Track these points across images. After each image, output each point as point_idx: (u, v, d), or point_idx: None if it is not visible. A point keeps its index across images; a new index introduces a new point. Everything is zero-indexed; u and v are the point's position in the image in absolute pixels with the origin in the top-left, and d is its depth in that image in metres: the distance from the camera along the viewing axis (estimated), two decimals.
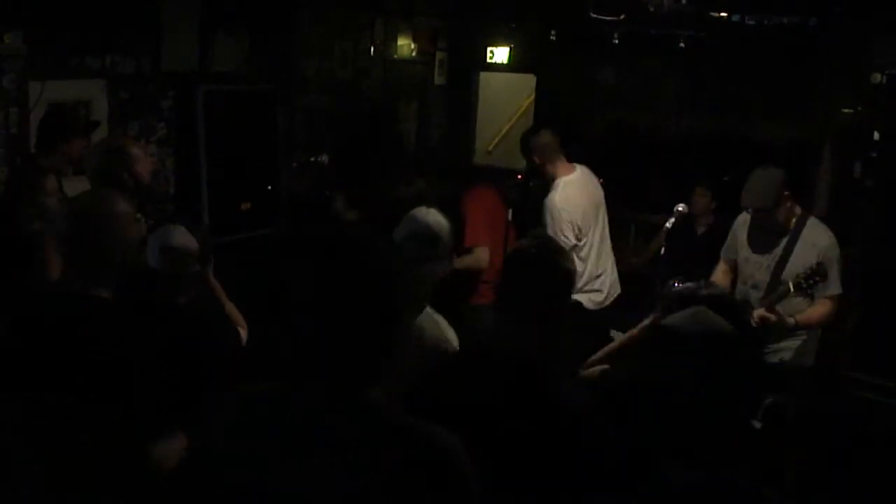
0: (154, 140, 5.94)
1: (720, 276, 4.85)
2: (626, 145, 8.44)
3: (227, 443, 1.76)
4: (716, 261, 4.93)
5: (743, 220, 4.73)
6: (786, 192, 4.39)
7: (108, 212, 2.66)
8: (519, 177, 8.03)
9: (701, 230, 6.42)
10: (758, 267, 4.58)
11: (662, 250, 5.90)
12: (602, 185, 5.94)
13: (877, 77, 6.58)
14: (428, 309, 3.13)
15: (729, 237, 4.83)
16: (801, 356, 4.54)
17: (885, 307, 4.08)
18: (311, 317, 1.72)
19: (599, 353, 3.35)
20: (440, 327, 3.11)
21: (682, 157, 8.05)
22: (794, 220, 4.49)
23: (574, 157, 5.64)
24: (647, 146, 8.42)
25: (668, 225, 5.80)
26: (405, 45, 8.18)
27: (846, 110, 7.08)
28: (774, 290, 4.37)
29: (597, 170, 5.81)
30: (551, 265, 2.50)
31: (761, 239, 4.58)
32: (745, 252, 4.68)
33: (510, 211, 6.40)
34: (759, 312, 4.24)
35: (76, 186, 4.13)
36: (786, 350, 4.49)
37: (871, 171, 6.61)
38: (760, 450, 2.52)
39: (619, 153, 8.30)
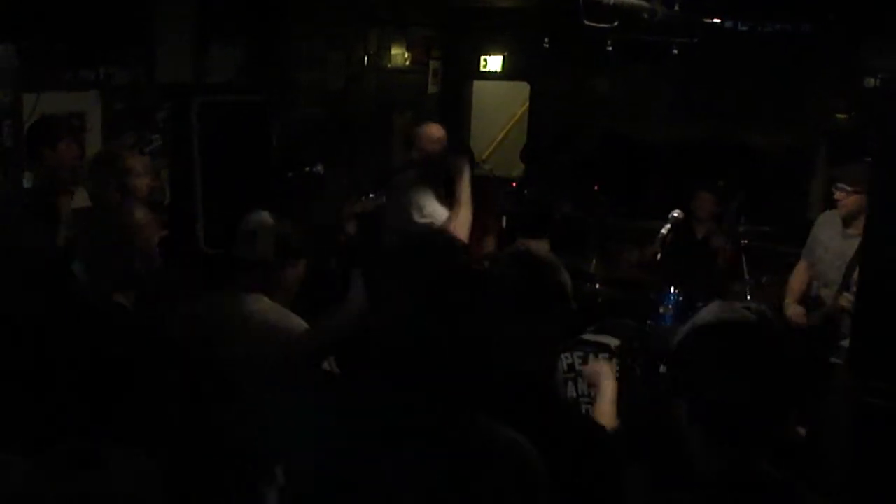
0: (148, 151, 5.92)
1: (799, 274, 5.07)
2: (621, 152, 8.45)
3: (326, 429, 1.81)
4: (713, 266, 4.94)
5: (823, 219, 4.91)
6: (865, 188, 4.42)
7: (130, 220, 2.69)
8: (513, 185, 8.04)
9: (701, 235, 6.42)
10: (831, 266, 4.70)
11: (658, 256, 5.90)
12: (597, 190, 5.94)
13: (870, 81, 6.60)
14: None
15: (809, 237, 5.00)
16: None
17: (882, 310, 4.06)
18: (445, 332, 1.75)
19: None
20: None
21: (676, 163, 8.06)
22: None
23: (567, 165, 5.65)
24: (641, 152, 8.43)
25: (663, 231, 5.78)
26: (399, 55, 8.19)
27: (840, 115, 7.10)
28: (847, 290, 4.47)
29: (591, 176, 5.82)
30: (534, 275, 2.26)
31: (838, 239, 4.70)
32: (820, 251, 4.84)
33: (504, 218, 6.41)
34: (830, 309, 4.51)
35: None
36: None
37: None
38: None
39: (614, 160, 8.31)
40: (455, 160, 4.68)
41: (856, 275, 4.45)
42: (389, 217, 4.88)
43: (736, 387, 1.74)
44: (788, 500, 1.75)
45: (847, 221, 4.67)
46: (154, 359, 2.58)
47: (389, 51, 8.08)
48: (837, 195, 4.67)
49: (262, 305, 3.01)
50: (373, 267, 1.89)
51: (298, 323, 3.02)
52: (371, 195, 5.80)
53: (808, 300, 4.98)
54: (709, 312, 1.86)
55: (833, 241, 4.76)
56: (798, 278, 5.08)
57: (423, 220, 4.57)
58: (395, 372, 1.79)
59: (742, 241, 5.81)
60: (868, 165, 4.61)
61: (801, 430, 4.70)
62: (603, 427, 2.39)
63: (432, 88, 8.77)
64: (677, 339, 1.86)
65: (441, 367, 1.76)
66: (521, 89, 9.20)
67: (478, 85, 9.33)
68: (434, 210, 4.61)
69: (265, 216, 3.11)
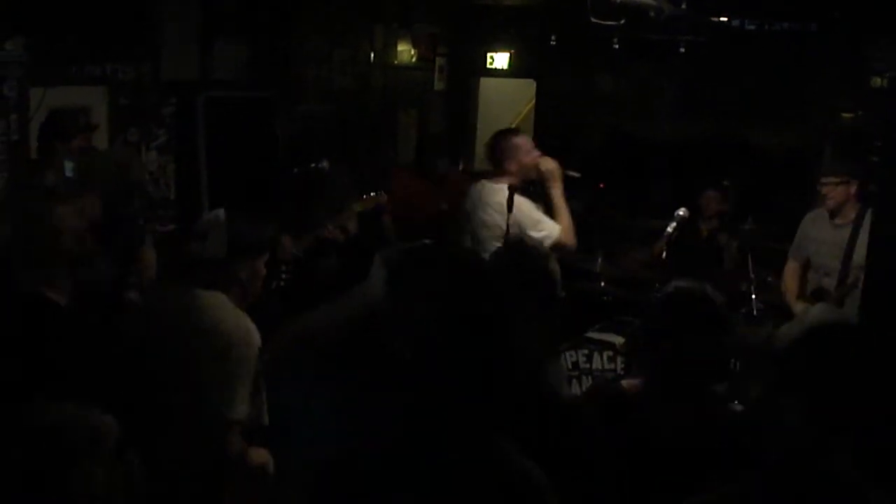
0: (154, 147, 5.94)
1: (790, 275, 5.27)
2: (626, 150, 8.44)
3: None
4: (719, 264, 4.96)
5: (809, 218, 5.21)
6: (850, 179, 4.86)
7: (59, 215, 2.73)
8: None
9: (706, 234, 6.43)
10: (829, 256, 4.98)
11: (663, 255, 5.90)
12: (602, 188, 5.95)
13: (877, 81, 6.60)
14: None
15: (797, 236, 5.25)
16: None
17: (887, 311, 4.06)
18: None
19: None
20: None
21: (681, 162, 8.05)
22: (855, 212, 4.88)
23: (572, 162, 5.61)
24: (646, 151, 8.42)
25: (669, 229, 5.79)
26: (405, 51, 8.18)
27: (845, 114, 7.09)
28: (847, 277, 4.76)
29: (597, 174, 5.80)
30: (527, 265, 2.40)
31: (829, 231, 5.01)
32: (815, 245, 5.11)
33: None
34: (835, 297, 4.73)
35: None
36: None
37: (873, 176, 6.60)
38: None
39: (619, 158, 8.31)
40: (547, 165, 4.69)
41: (853, 260, 4.77)
42: (483, 229, 4.75)
43: (859, 385, 1.82)
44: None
45: (834, 213, 4.99)
46: (64, 355, 2.58)
47: (396, 47, 8.07)
48: (825, 190, 4.96)
49: (215, 301, 2.95)
50: (398, 263, 1.82)
51: (239, 325, 2.94)
52: (373, 193, 5.78)
53: (810, 295, 5.09)
54: (821, 315, 1.95)
55: (824, 233, 5.04)
56: (791, 279, 5.27)
57: (540, 234, 4.54)
58: (404, 374, 1.76)
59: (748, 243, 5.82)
60: (850, 158, 5.05)
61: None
62: (604, 425, 2.38)
63: (438, 85, 8.76)
64: (785, 338, 1.93)
65: (456, 377, 1.73)
66: (528, 87, 9.19)
67: (484, 82, 9.32)
68: (546, 223, 4.62)
69: (219, 213, 3.06)
